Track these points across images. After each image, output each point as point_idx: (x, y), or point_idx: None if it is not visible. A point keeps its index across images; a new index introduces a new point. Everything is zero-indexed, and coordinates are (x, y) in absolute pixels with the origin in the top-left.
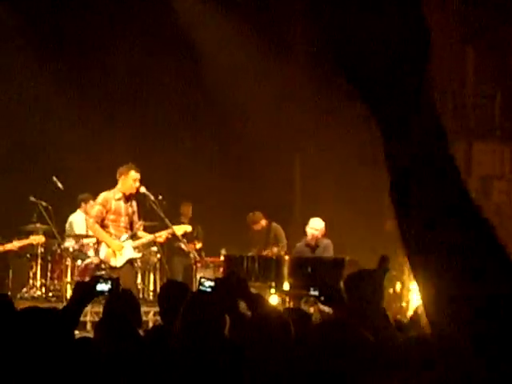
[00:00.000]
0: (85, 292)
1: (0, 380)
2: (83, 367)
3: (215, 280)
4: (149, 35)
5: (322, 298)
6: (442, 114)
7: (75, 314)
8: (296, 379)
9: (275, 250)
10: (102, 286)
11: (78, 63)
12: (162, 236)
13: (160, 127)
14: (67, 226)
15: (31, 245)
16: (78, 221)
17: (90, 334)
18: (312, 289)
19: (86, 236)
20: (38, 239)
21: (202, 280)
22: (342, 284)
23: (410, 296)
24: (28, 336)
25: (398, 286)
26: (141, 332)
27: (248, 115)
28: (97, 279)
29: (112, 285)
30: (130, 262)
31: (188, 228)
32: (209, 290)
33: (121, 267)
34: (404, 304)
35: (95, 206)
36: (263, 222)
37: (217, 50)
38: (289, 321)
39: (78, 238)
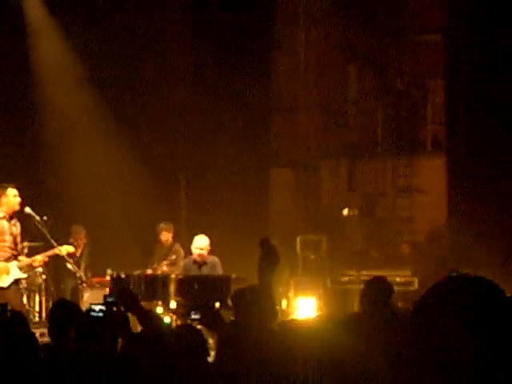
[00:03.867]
0: None
1: None
2: None
3: (105, 302)
4: None
5: (204, 322)
6: (324, 133)
7: None
8: None
9: (165, 268)
10: None
11: None
12: (36, 260)
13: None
14: None
15: None
16: None
17: None
18: (193, 313)
19: None
20: None
21: (93, 306)
22: (229, 301)
23: (296, 313)
24: None
25: (284, 303)
26: None
27: (130, 137)
28: None
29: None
30: (16, 282)
31: (71, 248)
32: (100, 314)
33: (7, 288)
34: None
35: None
36: (170, 238)
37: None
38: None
39: None
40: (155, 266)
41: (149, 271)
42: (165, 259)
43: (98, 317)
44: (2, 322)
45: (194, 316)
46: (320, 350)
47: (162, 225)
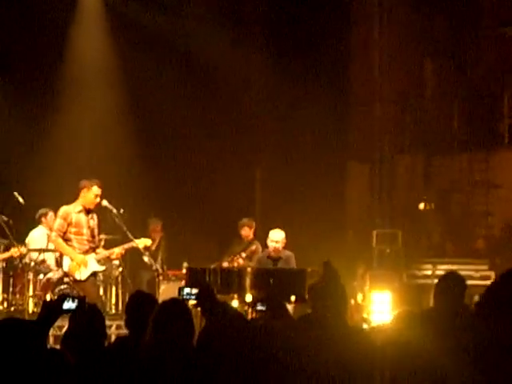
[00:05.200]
0: (52, 310)
1: None
2: (54, 378)
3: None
4: None
5: (270, 313)
6: (401, 127)
7: (42, 331)
8: None
9: (241, 261)
10: (69, 305)
11: None
12: (113, 253)
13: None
14: (27, 241)
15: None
16: (37, 237)
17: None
18: (259, 304)
19: (47, 250)
20: (19, 251)
21: (186, 289)
22: (306, 294)
23: (371, 307)
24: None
25: (360, 297)
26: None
27: (206, 130)
28: (64, 297)
29: (79, 303)
30: (94, 275)
31: (148, 242)
32: (192, 297)
33: (85, 280)
34: (366, 315)
35: (56, 220)
36: (251, 234)
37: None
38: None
39: (39, 251)
40: (230, 258)
41: (225, 264)
42: (241, 253)
43: (190, 299)
44: (79, 315)
45: (260, 307)
46: (397, 351)
47: (245, 220)
